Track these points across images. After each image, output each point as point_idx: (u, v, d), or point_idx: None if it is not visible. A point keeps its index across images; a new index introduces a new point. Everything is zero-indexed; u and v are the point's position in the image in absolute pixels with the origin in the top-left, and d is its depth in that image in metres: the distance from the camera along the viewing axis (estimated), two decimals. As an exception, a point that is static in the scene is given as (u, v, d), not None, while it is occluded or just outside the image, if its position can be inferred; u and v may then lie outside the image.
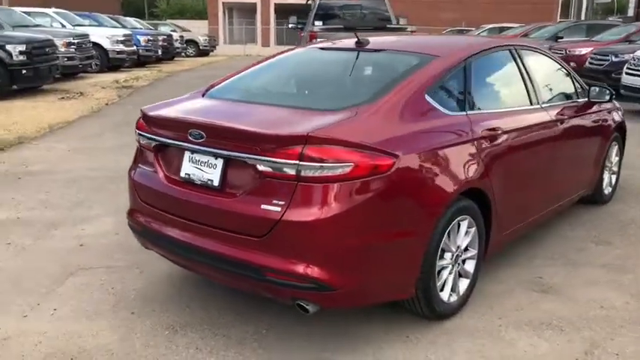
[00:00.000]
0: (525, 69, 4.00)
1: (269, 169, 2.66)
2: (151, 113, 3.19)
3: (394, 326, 3.16)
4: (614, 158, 5.43)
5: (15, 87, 12.06)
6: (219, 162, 2.87)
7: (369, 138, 2.70)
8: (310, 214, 2.58)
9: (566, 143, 4.25)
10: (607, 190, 5.37)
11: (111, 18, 21.88)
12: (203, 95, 3.51)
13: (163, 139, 3.12)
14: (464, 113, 3.29)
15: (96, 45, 16.93)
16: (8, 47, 11.64)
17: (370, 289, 2.81)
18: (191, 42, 29.50)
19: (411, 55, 3.50)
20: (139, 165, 3.33)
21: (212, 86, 3.65)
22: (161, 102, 3.41)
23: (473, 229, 3.32)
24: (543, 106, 4.05)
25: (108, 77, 16.17)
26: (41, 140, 8.25)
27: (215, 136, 2.84)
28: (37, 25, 15.54)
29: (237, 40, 42.82)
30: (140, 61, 19.92)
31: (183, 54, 27.33)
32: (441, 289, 3.19)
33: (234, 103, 3.32)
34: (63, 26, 16.92)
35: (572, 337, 3.10)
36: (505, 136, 3.49)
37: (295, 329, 3.13)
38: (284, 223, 2.61)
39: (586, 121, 4.63)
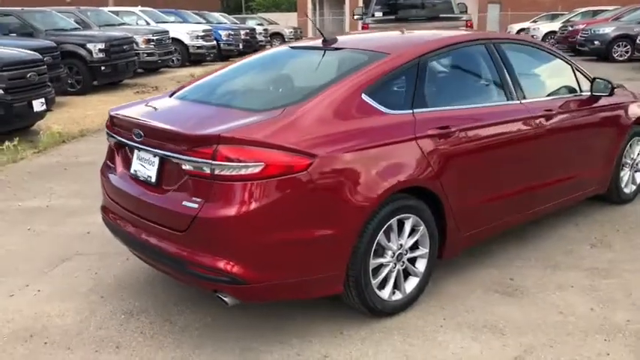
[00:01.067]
0: (504, 64, 3.87)
1: (190, 168, 2.82)
2: (112, 113, 3.44)
3: (335, 322, 3.23)
4: (637, 155, 5.09)
5: (95, 83, 12.99)
6: (156, 160, 3.07)
7: (284, 138, 2.79)
8: (223, 211, 2.72)
9: (557, 140, 4.07)
10: (628, 189, 5.05)
11: (196, 14, 22.84)
12: (170, 95, 3.72)
13: (119, 138, 3.36)
14: (410, 112, 3.26)
15: (176, 41, 17.79)
16: (89, 46, 12.56)
17: (291, 284, 2.90)
18: (277, 35, 30.13)
19: (363, 53, 3.51)
20: (107, 162, 3.61)
21: (182, 87, 3.86)
22: (131, 102, 3.65)
23: (421, 228, 3.30)
24: (524, 102, 3.90)
25: (186, 72, 16.95)
26: (102, 133, 8.88)
27: (151, 136, 3.04)
28: (123, 24, 16.59)
29: (327, 32, 42.99)
30: (222, 55, 20.64)
31: (267, 47, 27.98)
32: (382, 287, 3.22)
33: (188, 103, 3.50)
34: (147, 24, 17.91)
35: (509, 341, 3.02)
36: (462, 134, 3.43)
37: (238, 320, 3.28)
38: (200, 219, 2.76)
39: (588, 116, 4.39)
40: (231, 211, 2.70)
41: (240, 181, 2.71)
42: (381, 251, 3.16)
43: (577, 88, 4.43)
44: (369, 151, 3.00)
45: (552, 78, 4.40)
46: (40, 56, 8.66)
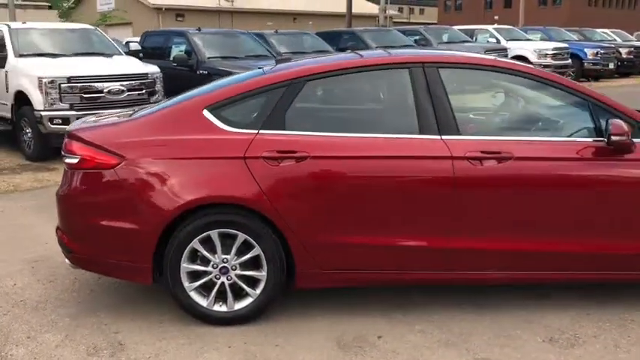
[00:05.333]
0: (429, 92, 3.28)
1: (65, 156, 3.63)
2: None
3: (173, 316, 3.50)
4: None
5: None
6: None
7: (105, 139, 3.32)
8: (60, 190, 3.47)
9: (513, 192, 3.23)
10: None
11: (569, 31, 21.55)
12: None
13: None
14: (254, 132, 3.27)
15: (521, 58, 17.44)
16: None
17: (106, 262, 3.40)
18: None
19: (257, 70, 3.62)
20: None
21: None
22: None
23: (255, 249, 3.29)
24: (447, 138, 3.24)
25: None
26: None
27: None
28: (466, 41, 17.22)
29: None
30: (584, 74, 19.16)
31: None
32: (204, 295, 3.37)
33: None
34: (497, 41, 18.03)
35: None
36: (318, 162, 3.21)
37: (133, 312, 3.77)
38: (56, 196, 3.55)
39: (596, 171, 3.25)
40: (62, 191, 3.43)
41: (69, 169, 3.40)
42: (198, 259, 3.32)
43: (593, 131, 3.32)
44: (185, 161, 3.24)
45: (543, 115, 3.38)
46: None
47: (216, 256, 3.31)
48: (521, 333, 3.26)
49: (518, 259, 3.34)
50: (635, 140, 3.28)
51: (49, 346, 3.19)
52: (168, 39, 11.29)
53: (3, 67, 8.62)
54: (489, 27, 19.02)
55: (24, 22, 9.72)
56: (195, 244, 3.27)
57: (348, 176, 3.25)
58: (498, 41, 18.11)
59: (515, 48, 17.39)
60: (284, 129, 3.31)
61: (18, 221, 5.50)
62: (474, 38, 18.37)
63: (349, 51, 13.71)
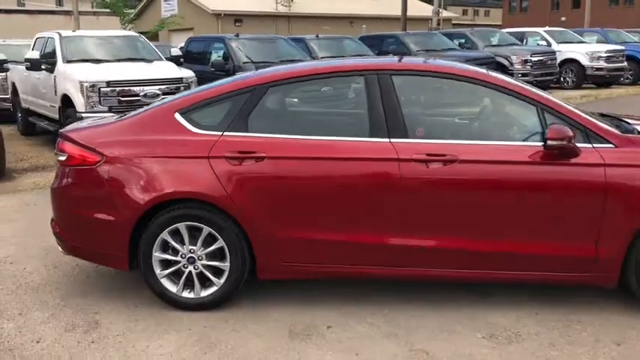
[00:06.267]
0: (382, 98, 3.48)
1: (58, 153, 4.04)
2: None
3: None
4: None
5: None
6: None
7: (88, 139, 3.71)
8: (53, 184, 3.88)
9: (457, 193, 3.39)
10: None
11: (632, 32, 20.77)
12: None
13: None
14: (219, 134, 3.56)
15: (572, 61, 17.07)
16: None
17: (87, 250, 3.80)
18: None
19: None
20: None
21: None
22: None
23: (219, 242, 3.58)
24: (396, 141, 3.42)
25: (574, 93, 16.10)
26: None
27: None
28: (513, 44, 16.98)
29: None
30: (640, 77, 18.50)
31: None
32: (175, 282, 3.69)
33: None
34: (548, 44, 17.67)
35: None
36: (274, 163, 3.47)
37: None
38: (51, 189, 3.96)
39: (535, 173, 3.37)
40: (54, 185, 3.84)
41: (60, 166, 3.80)
42: (169, 249, 3.65)
43: (541, 136, 3.42)
44: (156, 159, 3.57)
45: (494, 120, 3.49)
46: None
47: (184, 246, 3.63)
48: (462, 329, 3.40)
49: (465, 258, 3.48)
50: (583, 145, 3.37)
51: (34, 322, 3.60)
52: (208, 44, 11.81)
53: (52, 72, 9.35)
54: (540, 29, 18.61)
55: (74, 30, 10.45)
56: (165, 235, 3.60)
57: (302, 176, 3.50)
58: (549, 44, 17.74)
59: (566, 51, 17.00)
60: (247, 131, 3.59)
61: (45, 214, 6.03)
62: (524, 41, 18.07)
63: (391, 55, 13.92)
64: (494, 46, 16.56)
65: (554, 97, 3.65)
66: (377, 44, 15.69)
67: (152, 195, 3.54)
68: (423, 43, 15.30)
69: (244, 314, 3.64)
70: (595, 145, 3.38)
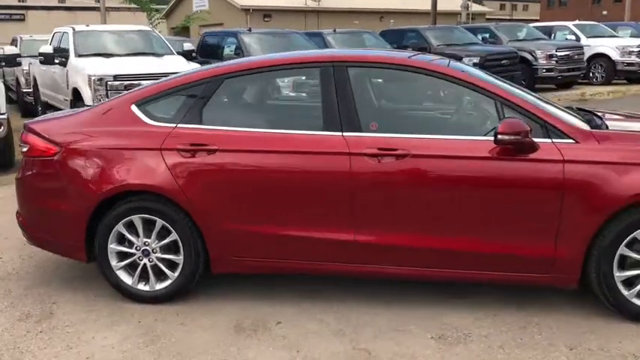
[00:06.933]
0: (336, 91, 3.39)
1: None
2: None
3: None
4: None
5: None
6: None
7: (49, 130, 3.73)
8: (17, 176, 3.91)
9: (410, 188, 3.28)
10: None
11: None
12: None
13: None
14: (172, 125, 3.54)
15: (602, 56, 16.55)
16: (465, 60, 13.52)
17: (48, 240, 3.82)
18: None
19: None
20: None
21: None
22: None
23: (172, 235, 3.56)
24: (348, 135, 3.33)
25: (601, 89, 15.60)
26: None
27: None
28: (539, 38, 16.55)
29: None
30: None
31: None
32: (131, 274, 3.69)
33: None
34: (577, 38, 17.15)
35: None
36: (224, 155, 3.43)
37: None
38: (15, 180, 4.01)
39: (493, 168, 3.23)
40: (18, 176, 3.88)
41: (24, 157, 3.84)
42: (125, 241, 3.64)
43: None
44: (110, 151, 3.57)
45: (451, 113, 3.36)
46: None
47: (139, 239, 3.62)
48: (414, 328, 3.30)
49: (420, 257, 3.37)
50: (542, 140, 3.22)
51: (-9, 311, 3.65)
52: (222, 39, 11.85)
53: (65, 66, 9.53)
54: (569, 23, 18.07)
55: (87, 25, 10.63)
56: (120, 227, 3.60)
57: (253, 169, 3.44)
58: (578, 38, 17.21)
59: (596, 45, 16.48)
60: (200, 123, 3.56)
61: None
62: (552, 36, 17.60)
63: (409, 49, 13.73)
64: (519, 40, 16.17)
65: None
66: (398, 39, 15.50)
67: (106, 187, 3.54)
68: (443, 37, 15.08)
69: (198, 308, 3.62)
70: (555, 140, 3.22)
